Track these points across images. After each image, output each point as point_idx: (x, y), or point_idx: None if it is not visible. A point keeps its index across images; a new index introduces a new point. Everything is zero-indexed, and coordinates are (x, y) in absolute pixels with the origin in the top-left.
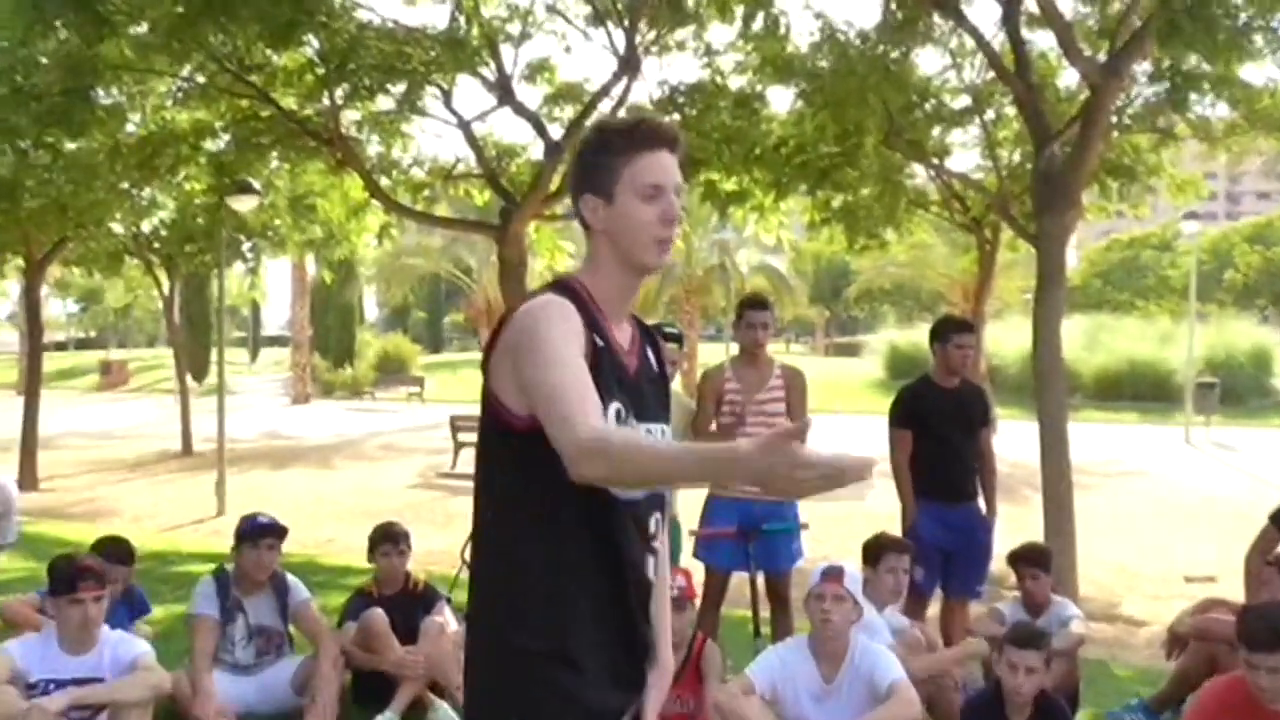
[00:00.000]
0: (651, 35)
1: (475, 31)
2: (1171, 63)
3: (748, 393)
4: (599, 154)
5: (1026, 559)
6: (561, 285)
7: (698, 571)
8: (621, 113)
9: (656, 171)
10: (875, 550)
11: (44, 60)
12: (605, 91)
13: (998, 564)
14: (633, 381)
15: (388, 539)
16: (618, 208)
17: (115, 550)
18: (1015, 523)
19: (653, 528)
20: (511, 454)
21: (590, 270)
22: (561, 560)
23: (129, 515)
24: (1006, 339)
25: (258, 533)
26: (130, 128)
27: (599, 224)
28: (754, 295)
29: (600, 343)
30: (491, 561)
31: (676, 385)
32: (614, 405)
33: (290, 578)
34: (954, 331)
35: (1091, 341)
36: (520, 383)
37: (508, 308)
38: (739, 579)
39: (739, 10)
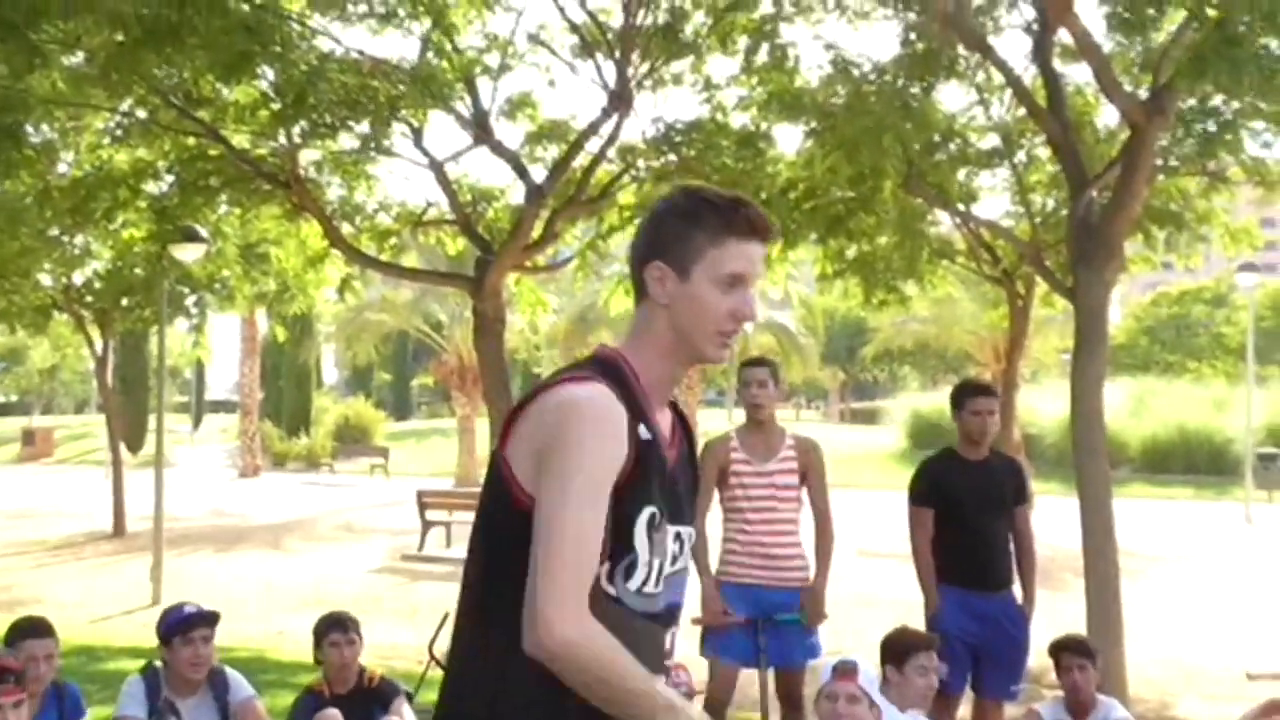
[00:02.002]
0: (645, 68)
1: (448, 63)
2: (1216, 100)
3: (755, 463)
4: (686, 224)
5: (1072, 648)
6: (611, 369)
7: (698, 668)
8: (612, 153)
9: (744, 262)
10: (900, 648)
11: None
12: (594, 129)
13: (1036, 659)
14: (671, 478)
15: (335, 626)
16: (691, 287)
17: (33, 626)
18: (1054, 612)
19: (668, 644)
20: (512, 539)
21: (639, 346)
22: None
23: (52, 604)
24: (1043, 405)
25: (186, 625)
26: (62, 168)
27: (664, 297)
28: (753, 356)
29: (647, 435)
30: (474, 661)
31: None
32: (648, 510)
33: (230, 672)
34: (969, 396)
35: (1138, 407)
36: (537, 478)
37: (549, 377)
38: (746, 677)
39: (742, 41)
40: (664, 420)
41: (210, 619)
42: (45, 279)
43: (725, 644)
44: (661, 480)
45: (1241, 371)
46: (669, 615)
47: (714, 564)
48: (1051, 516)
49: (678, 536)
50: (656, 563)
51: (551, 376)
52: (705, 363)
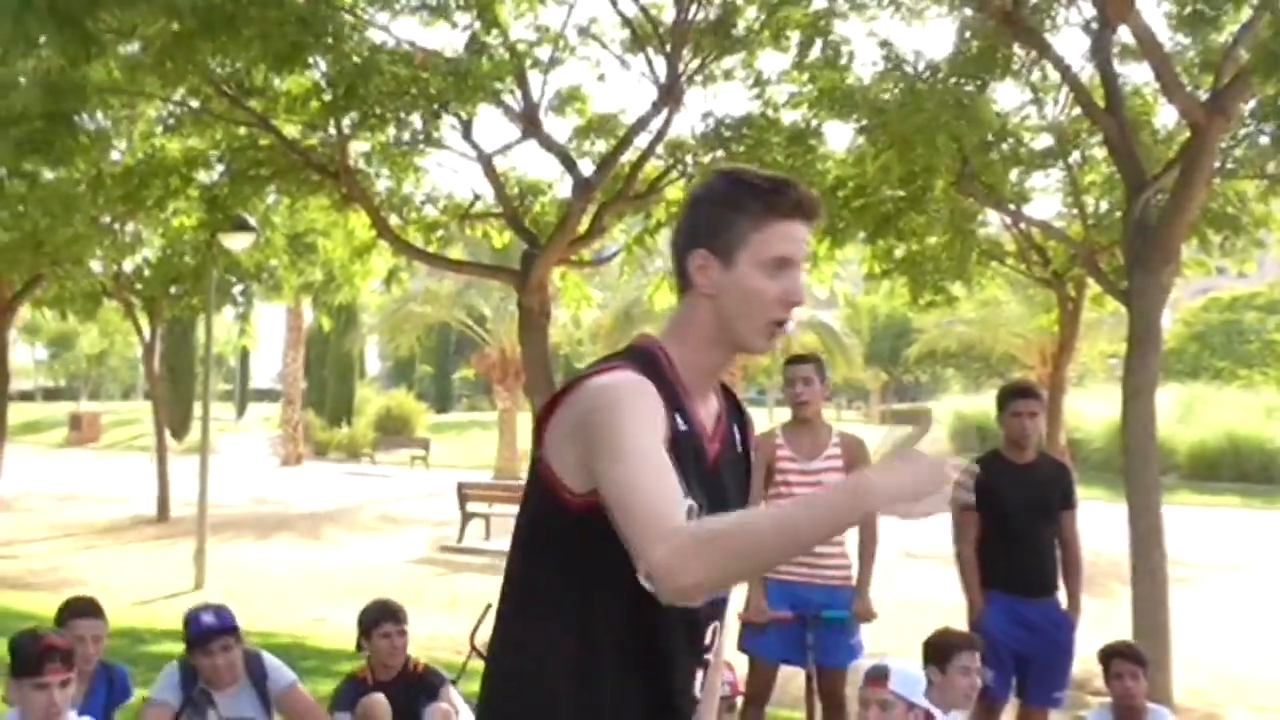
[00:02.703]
0: (696, 63)
1: (489, 59)
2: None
3: (800, 461)
4: (727, 209)
5: (1124, 654)
6: (643, 354)
7: (740, 663)
8: (660, 148)
9: (789, 244)
10: (943, 649)
11: (23, 81)
12: (643, 124)
13: (1081, 666)
14: (711, 472)
15: (388, 616)
16: (735, 274)
17: (83, 606)
18: (1098, 619)
19: (709, 638)
20: (557, 537)
21: (678, 336)
22: (595, 671)
23: (97, 586)
24: (1089, 409)
25: (205, 638)
26: (115, 156)
27: (708, 286)
28: (798, 354)
29: (683, 426)
30: (512, 659)
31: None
32: (686, 504)
33: (268, 659)
34: (1011, 397)
35: (1187, 413)
36: (592, 473)
37: (577, 374)
38: (785, 675)
39: (794, 36)
40: (707, 412)
41: (231, 629)
42: (96, 266)
43: (761, 641)
44: (700, 473)
45: None
46: (710, 609)
47: None
48: (1096, 522)
49: None
50: None
51: (581, 372)
52: (750, 353)
